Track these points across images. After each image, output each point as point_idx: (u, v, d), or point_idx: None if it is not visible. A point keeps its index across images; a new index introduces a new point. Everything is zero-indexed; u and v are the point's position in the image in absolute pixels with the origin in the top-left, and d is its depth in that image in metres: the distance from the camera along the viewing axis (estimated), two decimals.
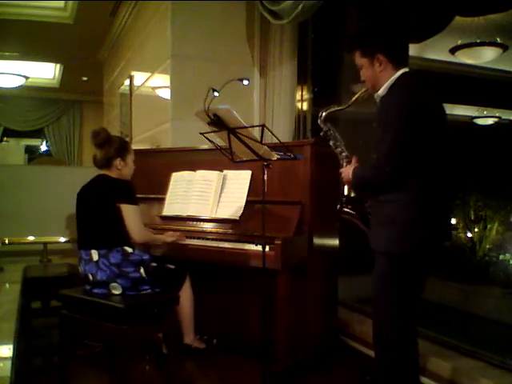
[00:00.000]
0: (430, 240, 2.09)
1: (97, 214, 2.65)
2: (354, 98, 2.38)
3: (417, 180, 2.03)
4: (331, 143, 2.43)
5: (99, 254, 2.60)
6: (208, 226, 3.14)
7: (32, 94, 9.84)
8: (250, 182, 3.03)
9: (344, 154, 2.37)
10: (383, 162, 2.02)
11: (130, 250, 2.65)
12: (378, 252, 2.12)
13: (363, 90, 2.33)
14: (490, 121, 7.98)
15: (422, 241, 2.05)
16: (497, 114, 7.91)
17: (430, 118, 2.06)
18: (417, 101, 2.03)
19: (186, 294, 2.85)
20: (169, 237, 2.96)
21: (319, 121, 2.46)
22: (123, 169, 2.77)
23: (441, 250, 2.18)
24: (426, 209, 2.06)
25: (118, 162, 2.74)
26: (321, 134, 2.46)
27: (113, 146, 2.75)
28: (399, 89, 2.08)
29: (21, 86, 8.37)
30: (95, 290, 2.62)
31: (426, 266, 2.15)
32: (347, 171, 2.25)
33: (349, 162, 2.32)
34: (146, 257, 2.69)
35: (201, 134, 2.51)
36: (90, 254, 2.62)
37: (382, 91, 2.16)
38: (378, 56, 2.15)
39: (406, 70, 2.15)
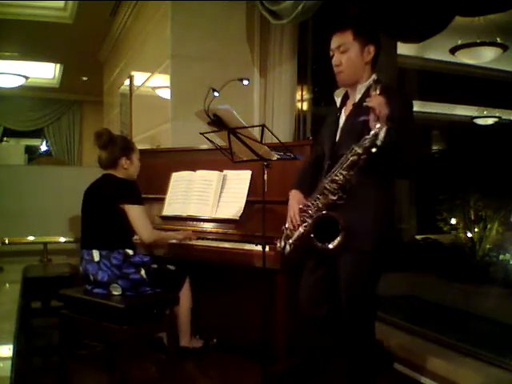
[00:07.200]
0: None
1: (100, 215, 2.65)
2: None
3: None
4: None
5: (101, 255, 2.60)
6: (208, 226, 3.14)
7: (32, 94, 9.82)
8: (250, 182, 3.03)
9: None
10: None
11: (130, 252, 2.65)
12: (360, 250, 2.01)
13: None
14: (490, 121, 7.99)
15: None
16: (497, 114, 7.92)
17: None
18: None
19: (184, 296, 2.84)
20: (179, 234, 2.96)
21: None
22: (129, 167, 2.77)
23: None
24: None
25: (123, 161, 2.74)
26: None
27: (117, 146, 2.74)
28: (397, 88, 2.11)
29: (21, 85, 8.36)
30: (95, 290, 2.63)
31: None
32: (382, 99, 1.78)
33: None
34: (146, 259, 2.68)
35: (201, 133, 2.51)
36: (92, 254, 2.62)
37: (361, 87, 2.05)
38: (370, 47, 2.02)
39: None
